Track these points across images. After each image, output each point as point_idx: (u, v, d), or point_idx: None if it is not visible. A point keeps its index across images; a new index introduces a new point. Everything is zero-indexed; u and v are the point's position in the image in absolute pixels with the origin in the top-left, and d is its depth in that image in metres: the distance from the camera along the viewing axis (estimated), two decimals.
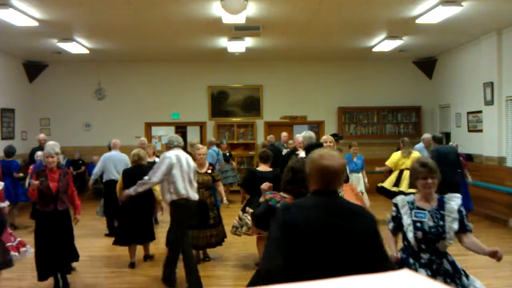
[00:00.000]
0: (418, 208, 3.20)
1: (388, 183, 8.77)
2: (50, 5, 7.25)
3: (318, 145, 5.22)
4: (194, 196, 5.48)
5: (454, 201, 3.22)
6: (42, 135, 9.94)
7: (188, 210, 5.44)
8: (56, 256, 5.22)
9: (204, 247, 6.38)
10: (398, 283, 0.87)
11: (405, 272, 0.92)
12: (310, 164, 2.30)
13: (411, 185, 8.55)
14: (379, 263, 2.18)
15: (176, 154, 5.44)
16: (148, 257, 6.64)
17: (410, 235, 3.14)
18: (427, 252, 3.12)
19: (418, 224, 3.14)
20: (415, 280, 0.88)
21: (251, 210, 5.73)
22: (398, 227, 3.29)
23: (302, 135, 6.07)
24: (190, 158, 5.62)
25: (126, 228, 6.22)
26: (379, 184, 8.66)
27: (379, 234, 2.26)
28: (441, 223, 3.11)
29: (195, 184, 5.58)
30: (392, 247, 3.31)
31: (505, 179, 8.99)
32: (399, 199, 3.35)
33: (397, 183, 8.71)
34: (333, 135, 8.25)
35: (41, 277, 5.24)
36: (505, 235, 7.56)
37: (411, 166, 3.33)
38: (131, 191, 5.47)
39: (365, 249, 2.16)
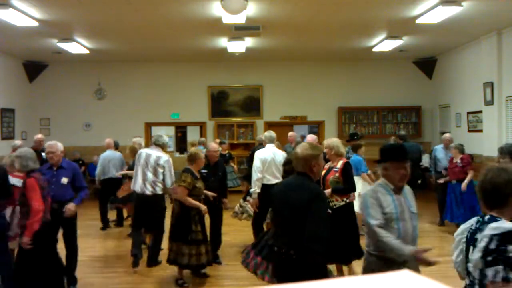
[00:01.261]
0: None
1: None
2: (50, 5, 7.25)
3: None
4: (144, 190, 6.01)
5: None
6: (39, 136, 8.88)
7: (137, 202, 6.12)
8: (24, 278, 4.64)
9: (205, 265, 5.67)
10: (398, 283, 0.88)
11: (405, 272, 0.92)
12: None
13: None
14: (307, 227, 3.07)
15: (140, 151, 6.26)
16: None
17: None
18: None
19: None
20: (415, 280, 0.89)
21: (251, 200, 6.37)
22: None
23: (264, 134, 6.79)
24: (153, 156, 6.04)
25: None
26: None
27: (311, 205, 3.11)
28: None
29: (153, 179, 5.98)
30: None
31: None
32: None
33: None
34: (352, 135, 8.47)
35: None
36: None
37: None
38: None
39: (302, 214, 3.11)
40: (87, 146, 12.32)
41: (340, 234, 5.01)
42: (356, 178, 7.72)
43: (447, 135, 9.14)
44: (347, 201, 5.39)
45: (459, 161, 8.05)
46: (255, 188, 6.20)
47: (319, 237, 3.13)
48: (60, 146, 5.54)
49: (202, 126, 13.11)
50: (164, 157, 6.11)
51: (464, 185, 7.82)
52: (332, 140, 5.64)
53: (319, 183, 3.83)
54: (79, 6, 7.27)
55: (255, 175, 6.21)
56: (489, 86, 9.56)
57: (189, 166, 5.58)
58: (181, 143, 18.04)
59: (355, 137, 8.33)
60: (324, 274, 3.28)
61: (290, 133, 9.44)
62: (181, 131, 17.60)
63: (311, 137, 7.14)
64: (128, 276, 5.92)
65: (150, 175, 6.00)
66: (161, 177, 6.02)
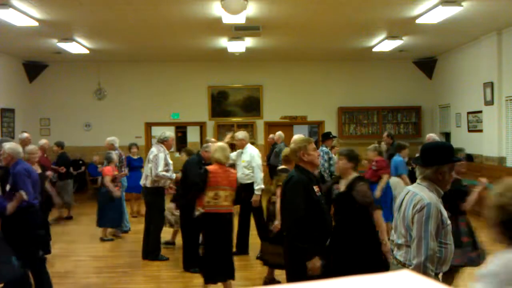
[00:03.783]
0: None
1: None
2: (50, 5, 7.25)
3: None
4: (144, 183, 6.61)
5: None
6: (26, 135, 8.09)
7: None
8: None
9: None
10: (398, 283, 0.88)
11: (405, 272, 0.92)
12: None
13: None
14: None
15: None
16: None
17: None
18: None
19: None
20: (415, 280, 0.89)
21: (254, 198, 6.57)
22: None
23: (244, 135, 7.11)
24: (153, 153, 6.50)
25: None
26: None
27: (285, 191, 3.61)
28: None
29: (149, 174, 6.48)
30: None
31: (505, 179, 8.96)
32: None
33: None
34: (326, 134, 8.34)
35: None
36: None
37: None
38: None
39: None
40: (87, 146, 12.31)
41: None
42: (395, 180, 7.32)
43: (432, 135, 8.78)
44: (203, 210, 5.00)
45: (374, 163, 7.24)
46: (262, 185, 6.55)
47: (285, 222, 3.64)
48: (7, 146, 4.71)
49: (202, 126, 13.11)
50: (154, 151, 6.51)
51: (378, 192, 6.77)
52: (215, 145, 5.42)
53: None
54: (79, 6, 7.27)
55: (261, 173, 6.58)
56: (489, 86, 9.56)
57: (286, 166, 5.37)
58: (181, 143, 18.02)
59: (330, 136, 8.25)
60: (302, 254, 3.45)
61: (277, 133, 9.97)
62: (181, 131, 17.58)
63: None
64: (127, 277, 5.92)
65: (146, 170, 6.61)
66: (149, 171, 6.49)
